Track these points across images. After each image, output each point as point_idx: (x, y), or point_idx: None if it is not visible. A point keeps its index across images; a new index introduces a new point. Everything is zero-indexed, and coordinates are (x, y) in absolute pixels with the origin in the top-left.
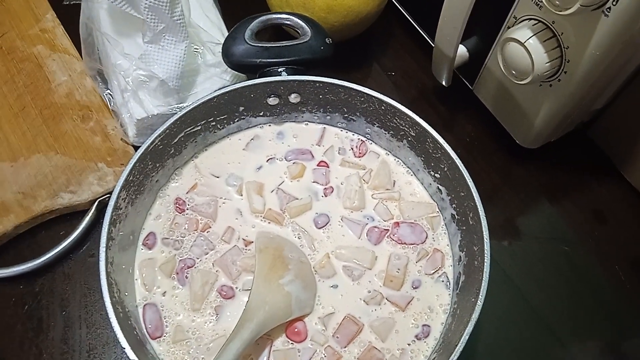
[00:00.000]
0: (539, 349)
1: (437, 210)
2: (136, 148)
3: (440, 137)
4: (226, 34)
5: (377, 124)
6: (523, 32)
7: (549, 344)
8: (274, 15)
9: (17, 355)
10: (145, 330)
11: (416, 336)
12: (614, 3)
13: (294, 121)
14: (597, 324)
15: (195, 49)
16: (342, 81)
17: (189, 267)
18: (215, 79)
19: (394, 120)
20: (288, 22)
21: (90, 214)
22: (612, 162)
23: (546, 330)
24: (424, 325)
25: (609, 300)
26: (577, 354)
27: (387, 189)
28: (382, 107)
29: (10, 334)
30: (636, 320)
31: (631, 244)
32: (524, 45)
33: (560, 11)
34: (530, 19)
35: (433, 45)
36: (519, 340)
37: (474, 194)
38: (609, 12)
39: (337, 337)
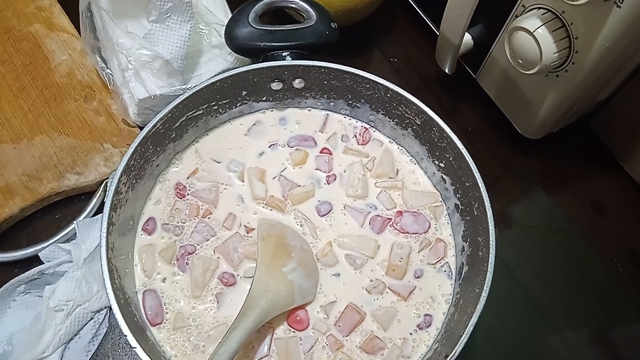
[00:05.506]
0: (535, 337)
1: (440, 199)
2: (141, 128)
3: (447, 126)
4: (230, 15)
5: (382, 112)
6: (532, 21)
7: (544, 332)
8: None
9: None
10: (145, 316)
11: (418, 326)
12: None
13: (297, 107)
14: (592, 313)
15: (200, 29)
16: (349, 67)
17: (189, 254)
18: (219, 61)
19: (399, 108)
20: (293, 5)
21: (97, 195)
22: (612, 154)
23: (542, 318)
24: (426, 314)
25: (604, 290)
26: (572, 341)
27: (391, 178)
28: (388, 95)
29: None
30: (630, 310)
31: (629, 236)
32: (532, 35)
33: (572, 1)
34: (540, 7)
35: (437, 32)
36: (517, 329)
37: (480, 185)
38: (621, 3)
39: (339, 325)
